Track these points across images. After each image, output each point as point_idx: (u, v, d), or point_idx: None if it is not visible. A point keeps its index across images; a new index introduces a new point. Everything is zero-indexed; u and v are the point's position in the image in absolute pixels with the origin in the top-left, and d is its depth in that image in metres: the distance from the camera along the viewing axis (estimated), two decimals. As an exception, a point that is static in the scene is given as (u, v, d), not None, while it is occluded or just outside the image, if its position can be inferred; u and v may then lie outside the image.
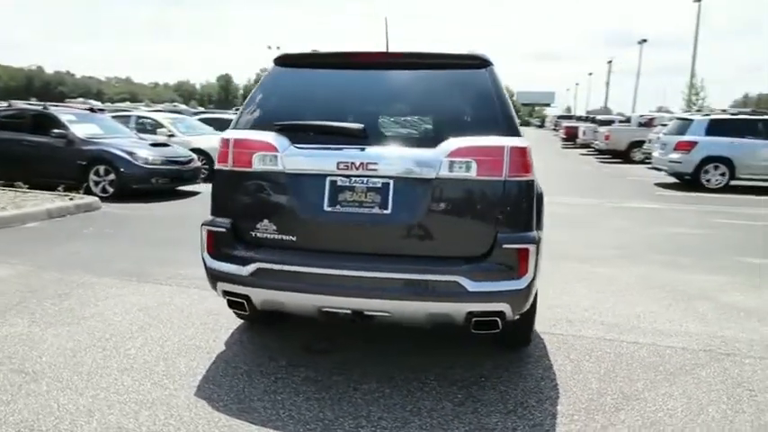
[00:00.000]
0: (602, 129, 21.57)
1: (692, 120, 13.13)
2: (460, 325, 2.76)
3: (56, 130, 9.33)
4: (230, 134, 2.95)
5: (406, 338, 3.57)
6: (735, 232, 7.77)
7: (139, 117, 13.34)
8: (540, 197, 2.94)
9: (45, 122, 9.57)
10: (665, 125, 16.48)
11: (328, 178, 2.74)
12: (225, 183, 2.95)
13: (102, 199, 8.61)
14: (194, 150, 10.95)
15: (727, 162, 12.15)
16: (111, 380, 2.97)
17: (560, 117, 47.27)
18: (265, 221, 2.83)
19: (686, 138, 12.42)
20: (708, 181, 12.23)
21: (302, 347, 3.45)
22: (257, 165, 2.83)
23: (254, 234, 2.85)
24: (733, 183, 12.30)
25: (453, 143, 2.68)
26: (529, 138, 2.88)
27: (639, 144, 18.91)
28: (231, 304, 2.97)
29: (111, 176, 9.10)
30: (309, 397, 2.84)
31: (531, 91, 77.38)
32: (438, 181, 2.66)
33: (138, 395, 2.82)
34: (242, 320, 3.79)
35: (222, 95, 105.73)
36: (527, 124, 66.71)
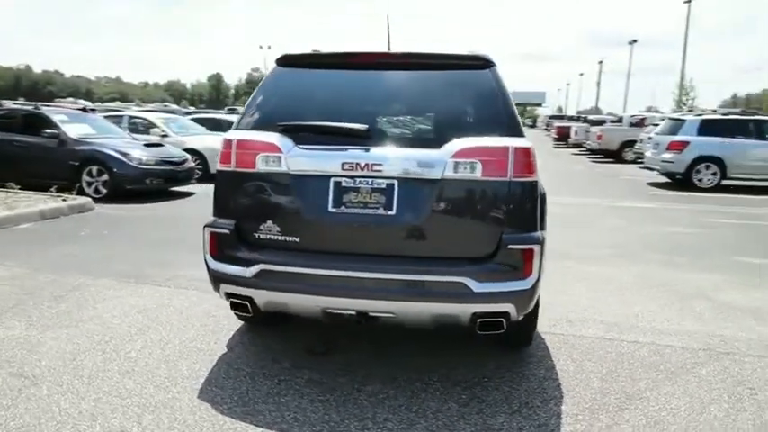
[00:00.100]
0: (595, 129, 21.71)
1: (684, 120, 13.25)
2: (465, 326, 2.76)
3: (48, 131, 9.23)
4: (233, 135, 2.93)
5: (409, 339, 3.57)
6: (727, 231, 7.85)
7: (132, 117, 13.25)
8: (543, 197, 2.95)
9: (36, 122, 9.47)
10: (656, 125, 16.61)
11: (333, 179, 2.73)
12: (228, 184, 2.93)
13: (96, 200, 8.53)
14: (188, 151, 10.90)
15: (719, 162, 12.27)
16: (112, 383, 2.94)
17: (552, 117, 47.50)
18: (269, 223, 2.81)
19: (678, 138, 12.53)
20: (699, 180, 12.35)
21: (304, 349, 3.43)
22: (261, 166, 2.81)
23: (257, 235, 2.84)
24: (724, 182, 12.42)
25: (458, 144, 2.68)
26: None
27: (631, 144, 19.03)
28: (234, 306, 2.95)
29: (105, 177, 9.03)
30: (314, 399, 2.83)
31: (523, 91, 77.52)
32: (443, 182, 2.66)
33: (140, 398, 2.79)
34: (243, 322, 3.77)
35: (213, 95, 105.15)
36: (518, 124, 66.58)
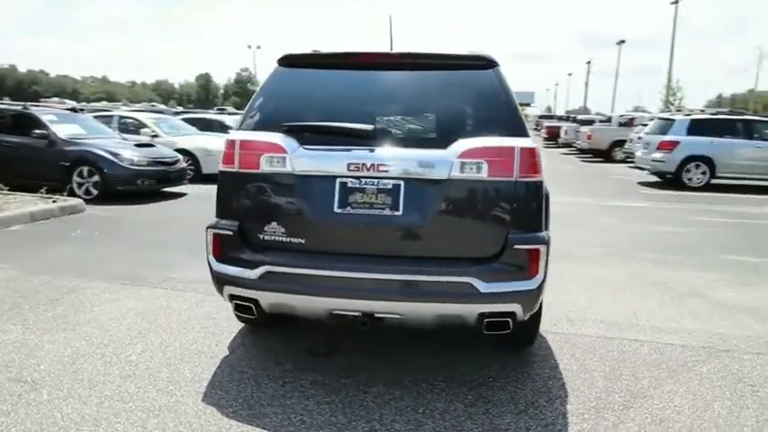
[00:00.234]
0: (584, 128, 21.87)
1: (673, 120, 13.38)
2: (472, 326, 2.76)
3: (37, 131, 9.09)
4: (236, 135, 2.90)
5: (410, 340, 3.56)
6: (718, 230, 7.94)
7: (122, 117, 13.10)
8: (547, 197, 2.96)
9: (25, 123, 9.33)
10: (645, 125, 16.77)
11: (338, 180, 2.71)
12: (231, 185, 2.90)
13: (86, 201, 8.42)
14: (179, 151, 10.80)
15: (708, 161, 12.42)
16: (114, 387, 2.90)
17: (541, 117, 47.76)
18: (273, 224, 2.79)
19: (668, 137, 12.66)
20: (689, 180, 12.48)
21: (307, 351, 3.41)
22: (265, 166, 2.79)
23: (261, 237, 2.81)
24: (713, 181, 12.57)
25: (464, 144, 2.67)
26: None
27: (621, 143, 19.19)
28: (238, 308, 2.93)
29: (96, 178, 8.91)
30: (320, 401, 2.81)
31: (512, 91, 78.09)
32: (449, 182, 2.66)
33: (144, 402, 2.75)
34: (243, 324, 3.74)
35: (202, 95, 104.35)
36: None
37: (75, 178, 8.93)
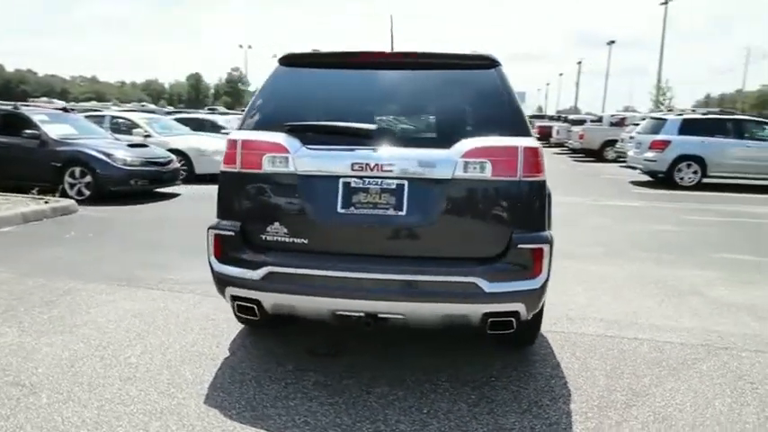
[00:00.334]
0: (576, 128, 22.00)
1: (665, 119, 13.49)
2: (476, 326, 2.76)
3: (28, 131, 8.98)
4: (238, 135, 2.88)
5: (412, 340, 3.55)
6: (711, 229, 8.01)
7: (114, 117, 12.99)
8: (549, 197, 2.96)
9: (16, 122, 9.20)
10: (636, 125, 16.89)
11: (341, 180, 2.70)
12: (232, 185, 2.88)
13: (79, 202, 8.34)
14: (172, 151, 10.72)
15: (699, 160, 12.52)
16: (114, 390, 2.86)
17: (533, 117, 47.97)
18: (276, 224, 2.77)
19: (660, 137, 12.76)
20: (681, 179, 12.59)
21: (308, 351, 3.40)
22: (267, 166, 2.77)
23: (264, 237, 2.79)
24: (705, 181, 12.68)
25: (468, 143, 2.67)
26: None
27: (612, 143, 19.33)
28: (240, 309, 2.90)
29: (88, 178, 8.82)
30: (323, 402, 2.80)
31: (503, 91, 78.29)
32: (453, 182, 2.65)
33: (145, 405, 2.72)
34: (243, 325, 3.71)
35: (192, 95, 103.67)
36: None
37: (67, 179, 8.83)
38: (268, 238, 2.78)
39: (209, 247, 2.88)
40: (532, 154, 2.70)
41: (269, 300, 2.78)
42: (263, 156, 2.76)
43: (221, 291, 2.90)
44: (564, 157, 22.48)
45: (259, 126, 2.90)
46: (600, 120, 23.48)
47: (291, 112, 2.91)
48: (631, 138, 14.73)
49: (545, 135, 28.92)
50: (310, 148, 2.74)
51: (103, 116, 13.01)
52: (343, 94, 3.03)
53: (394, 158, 2.67)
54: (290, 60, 3.08)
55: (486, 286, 2.60)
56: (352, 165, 2.67)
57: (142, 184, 9.17)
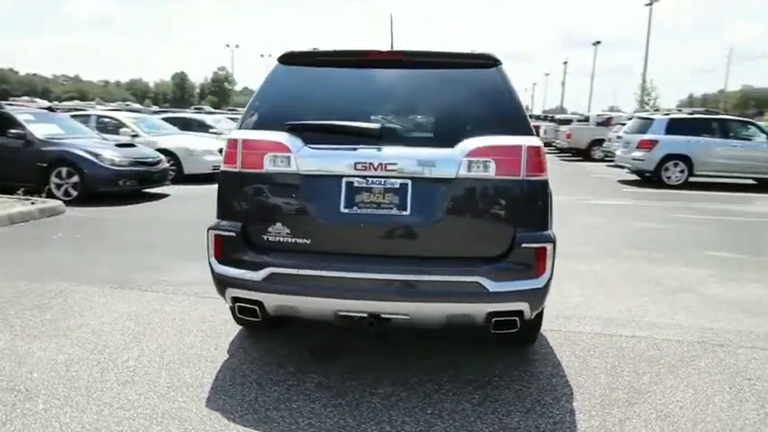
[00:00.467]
0: (564, 128, 22.17)
1: (652, 119, 13.64)
2: (480, 325, 2.75)
3: (12, 131, 8.82)
4: (238, 134, 2.84)
5: (413, 340, 3.54)
6: (699, 227, 8.11)
7: (100, 117, 12.79)
8: (550, 196, 2.97)
9: (0, 122, 9.02)
10: (622, 124, 17.07)
11: (344, 179, 2.67)
12: (233, 185, 2.84)
13: (66, 203, 8.19)
14: (160, 151, 10.59)
15: (686, 160, 12.69)
16: (112, 394, 2.81)
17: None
18: (278, 224, 2.74)
19: (648, 136, 12.90)
20: (668, 178, 12.74)
21: (308, 353, 3.37)
22: (269, 166, 2.73)
23: (265, 238, 2.76)
24: (691, 179, 12.85)
25: (472, 143, 2.66)
26: None
27: (599, 142, 19.52)
28: (241, 311, 2.86)
29: (75, 179, 8.68)
30: (326, 404, 2.77)
31: (490, 91, 78.69)
32: (457, 181, 2.64)
33: (145, 409, 2.68)
34: (240, 327, 3.67)
35: (178, 94, 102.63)
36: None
37: (54, 179, 8.68)
38: (270, 238, 2.75)
39: (209, 247, 2.84)
40: (535, 153, 2.70)
41: (271, 301, 2.75)
42: (264, 155, 2.73)
43: (222, 292, 2.86)
44: (551, 156, 22.60)
45: (259, 125, 2.86)
46: (587, 119, 23.69)
47: (292, 111, 2.87)
48: (618, 137, 14.89)
49: (532, 134, 29.10)
50: (313, 148, 2.71)
51: (89, 115, 12.80)
52: (344, 93, 3.00)
53: (397, 158, 2.65)
54: (289, 59, 3.05)
55: (491, 286, 2.59)
56: (356, 164, 2.65)
57: (131, 185, 9.04)
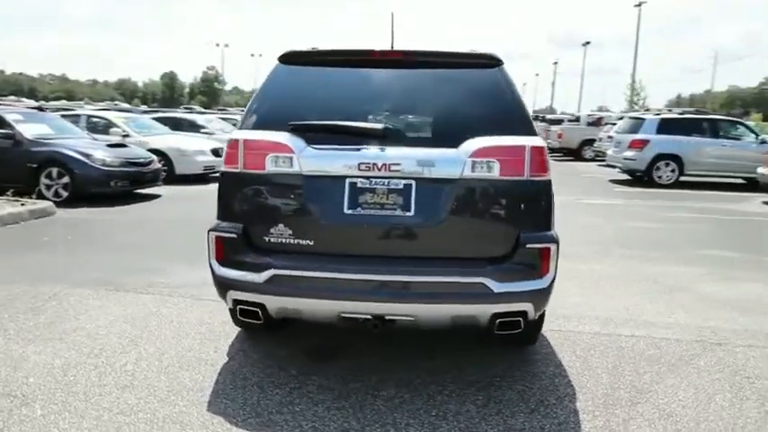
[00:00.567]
0: (555, 128, 22.27)
1: (643, 119, 13.75)
2: (484, 326, 2.74)
3: (1, 130, 8.68)
4: (239, 134, 2.81)
5: (413, 341, 3.52)
6: (693, 226, 8.19)
7: (90, 116, 12.63)
8: (552, 196, 2.96)
9: (-12, 122, 8.89)
10: (613, 124, 17.19)
11: (348, 180, 2.65)
12: (234, 186, 2.80)
13: (57, 203, 8.08)
14: (152, 151, 10.48)
15: (677, 159, 12.80)
16: (111, 399, 2.77)
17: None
18: (280, 226, 2.71)
19: (639, 136, 13.01)
20: (660, 177, 12.85)
21: (309, 355, 3.34)
22: (270, 167, 2.70)
23: (267, 239, 2.72)
24: (682, 179, 12.97)
25: (475, 143, 2.65)
26: None
27: (590, 142, 19.65)
28: (243, 313, 2.83)
29: (65, 179, 8.57)
30: (329, 406, 2.75)
31: (480, 91, 78.99)
32: (461, 181, 2.63)
33: (145, 414, 2.63)
34: (239, 329, 3.63)
35: (167, 94, 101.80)
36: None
37: (43, 180, 8.56)
38: (272, 239, 2.72)
39: (209, 249, 2.80)
40: (539, 153, 2.69)
41: (273, 303, 2.72)
42: (266, 156, 2.70)
43: (222, 294, 2.82)
44: (543, 156, 22.71)
45: (259, 125, 2.83)
46: (577, 119, 23.83)
47: (293, 111, 2.84)
48: (609, 137, 14.99)
49: (523, 134, 29.21)
50: (315, 148, 2.68)
51: (79, 115, 12.63)
52: (345, 93, 2.98)
53: (401, 158, 2.63)
54: (290, 58, 3.01)
55: (495, 286, 2.58)
56: (359, 165, 2.63)
57: (122, 186, 8.94)
